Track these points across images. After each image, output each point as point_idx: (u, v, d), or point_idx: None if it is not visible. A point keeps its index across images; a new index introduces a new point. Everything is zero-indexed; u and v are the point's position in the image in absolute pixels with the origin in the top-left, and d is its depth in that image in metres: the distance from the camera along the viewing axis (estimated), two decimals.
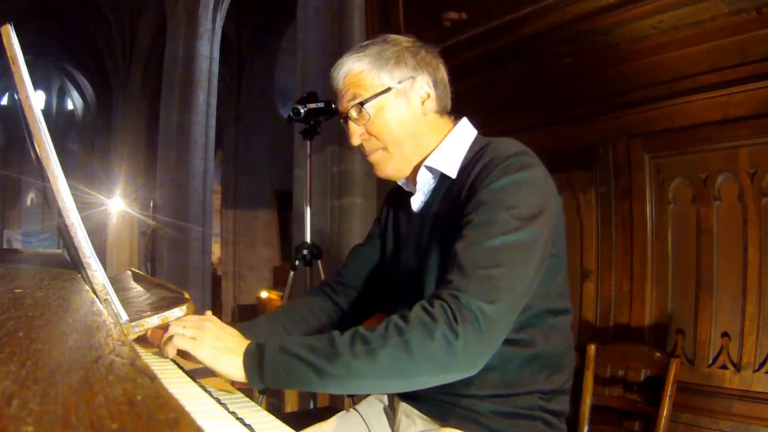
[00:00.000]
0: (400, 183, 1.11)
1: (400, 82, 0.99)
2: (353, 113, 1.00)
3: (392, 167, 1.03)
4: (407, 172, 1.04)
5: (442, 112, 1.04)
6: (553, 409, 0.98)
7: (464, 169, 0.98)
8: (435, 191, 1.03)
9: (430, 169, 1.02)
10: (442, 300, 0.81)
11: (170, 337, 0.87)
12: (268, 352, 0.84)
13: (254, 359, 0.84)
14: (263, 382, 0.84)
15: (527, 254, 0.85)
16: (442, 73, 1.05)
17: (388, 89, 0.98)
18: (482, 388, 0.94)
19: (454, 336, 0.77)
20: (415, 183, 1.04)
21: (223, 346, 0.86)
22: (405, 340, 0.78)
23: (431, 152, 1.02)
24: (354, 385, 0.81)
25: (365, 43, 1.04)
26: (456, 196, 0.96)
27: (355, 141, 1.01)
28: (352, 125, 1.01)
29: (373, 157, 1.03)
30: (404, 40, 1.03)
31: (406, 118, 1.00)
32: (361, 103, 0.98)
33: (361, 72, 0.99)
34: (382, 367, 0.78)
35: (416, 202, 1.05)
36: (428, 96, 1.01)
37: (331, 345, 0.81)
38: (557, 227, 0.95)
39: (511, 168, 0.90)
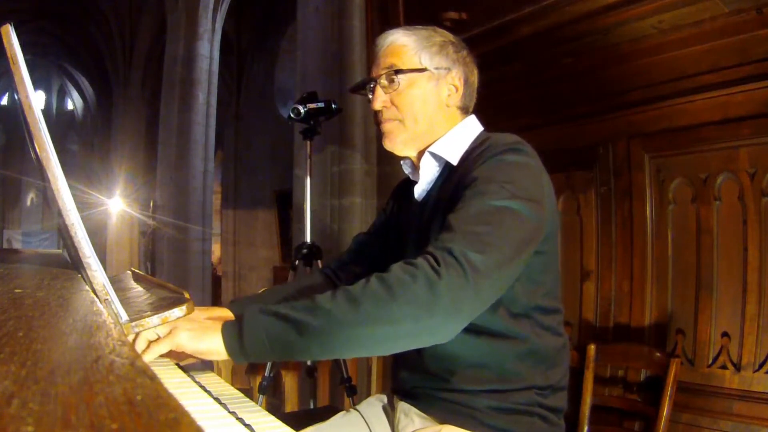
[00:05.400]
0: (407, 172, 1.16)
1: (436, 68, 1.05)
2: (384, 80, 1.05)
3: (401, 140, 1.06)
4: (411, 150, 1.09)
5: (462, 109, 1.09)
6: (550, 406, 0.98)
7: (465, 158, 1.02)
8: (437, 180, 1.07)
9: (434, 155, 1.06)
10: (426, 252, 0.82)
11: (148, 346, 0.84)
12: (248, 317, 0.82)
13: (233, 328, 0.83)
14: (243, 351, 0.81)
15: (516, 221, 0.85)
16: (475, 78, 1.11)
17: (424, 69, 1.04)
18: (479, 384, 0.96)
19: (436, 276, 0.77)
20: (419, 170, 1.08)
21: (199, 327, 0.85)
22: (387, 285, 0.78)
23: (437, 139, 1.06)
24: (338, 338, 0.78)
25: (417, 26, 1.09)
26: (456, 181, 0.98)
27: (377, 105, 1.06)
28: (378, 90, 1.06)
29: (387, 126, 1.07)
30: (452, 36, 1.10)
31: (429, 101, 1.05)
32: (396, 72, 1.03)
33: (405, 46, 1.05)
34: (365, 313, 0.77)
35: (418, 190, 1.10)
36: (456, 89, 1.07)
37: (312, 300, 0.81)
38: (549, 224, 0.95)
39: (507, 152, 0.94)
